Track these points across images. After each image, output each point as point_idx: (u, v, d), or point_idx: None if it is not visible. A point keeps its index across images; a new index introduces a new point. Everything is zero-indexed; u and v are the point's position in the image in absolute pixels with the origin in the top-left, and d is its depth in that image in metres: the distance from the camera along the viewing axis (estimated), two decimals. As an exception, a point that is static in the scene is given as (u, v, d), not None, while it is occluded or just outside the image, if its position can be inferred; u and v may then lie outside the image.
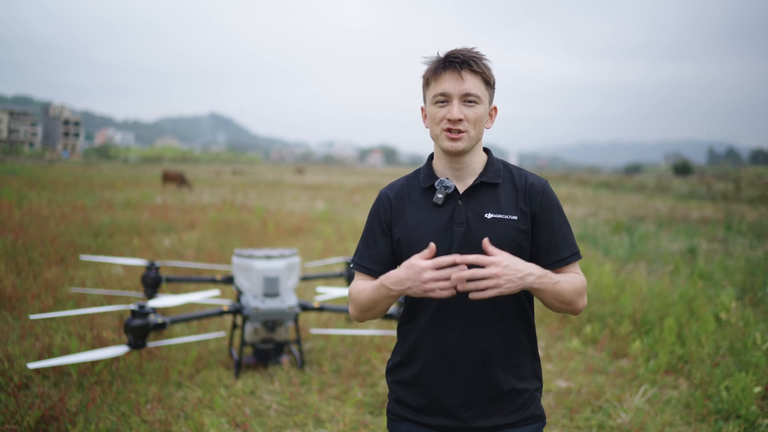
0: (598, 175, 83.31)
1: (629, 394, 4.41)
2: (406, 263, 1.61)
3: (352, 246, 10.58)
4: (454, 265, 1.56)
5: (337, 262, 7.53)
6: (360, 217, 16.08)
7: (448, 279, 1.55)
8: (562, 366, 4.98)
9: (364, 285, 1.78)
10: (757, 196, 24.97)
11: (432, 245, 1.58)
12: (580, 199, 25.20)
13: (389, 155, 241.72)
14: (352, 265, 1.88)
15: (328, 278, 6.49)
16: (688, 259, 9.51)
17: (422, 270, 1.55)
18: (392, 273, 1.64)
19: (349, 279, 6.26)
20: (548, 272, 1.64)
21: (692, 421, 3.99)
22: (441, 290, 1.55)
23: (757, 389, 4.05)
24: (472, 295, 1.54)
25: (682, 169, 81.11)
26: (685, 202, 24.45)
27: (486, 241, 1.58)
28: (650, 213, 18.40)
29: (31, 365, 3.78)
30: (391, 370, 1.88)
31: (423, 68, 1.79)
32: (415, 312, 1.80)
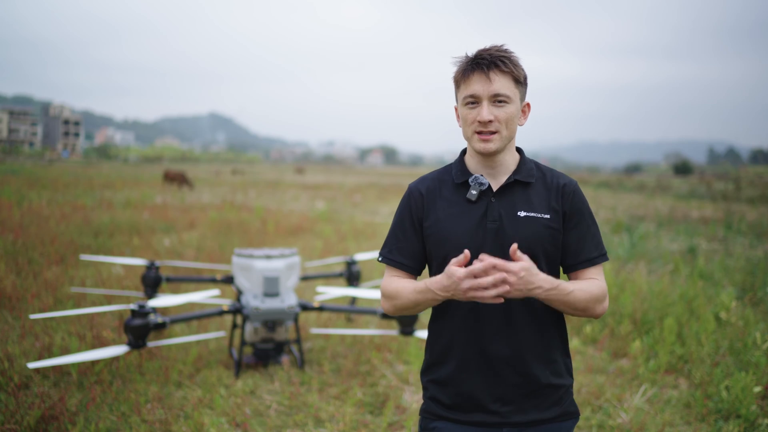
0: (598, 174, 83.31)
1: (629, 393, 4.41)
2: (446, 272, 1.62)
3: (352, 246, 10.57)
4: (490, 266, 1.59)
5: (337, 261, 7.53)
6: (360, 217, 16.08)
7: (487, 285, 1.57)
8: (562, 366, 4.98)
9: (402, 284, 1.79)
10: (757, 196, 24.96)
11: (467, 252, 1.60)
12: (580, 199, 25.14)
13: (389, 155, 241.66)
14: (380, 258, 1.88)
15: (328, 278, 6.49)
16: (688, 259, 9.51)
17: (459, 280, 1.57)
18: (437, 279, 1.65)
19: (349, 278, 6.25)
20: (560, 284, 1.66)
21: (692, 421, 3.99)
22: (485, 297, 1.57)
23: (757, 389, 4.05)
24: (476, 293, 1.58)
25: (682, 168, 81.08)
26: (685, 202, 24.44)
27: (514, 247, 1.59)
28: (650, 213, 18.40)
29: (31, 365, 3.79)
30: (426, 371, 1.87)
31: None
32: (446, 309, 1.80)
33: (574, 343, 5.48)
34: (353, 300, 6.23)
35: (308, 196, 24.35)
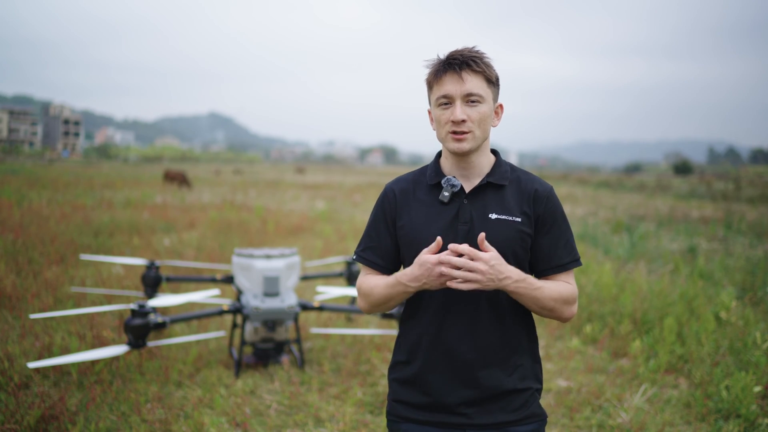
0: (598, 174, 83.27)
1: (629, 393, 4.41)
2: (417, 260, 1.65)
3: (352, 245, 10.57)
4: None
5: (337, 261, 7.53)
6: (360, 217, 16.08)
7: (459, 269, 1.61)
8: (562, 365, 4.98)
9: (375, 281, 1.81)
10: (757, 196, 24.96)
11: (439, 239, 1.64)
12: (580, 199, 25.19)
13: (389, 155, 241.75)
14: (354, 257, 1.90)
15: (328, 277, 6.49)
16: (688, 259, 9.51)
17: (434, 265, 1.62)
18: (407, 271, 1.69)
19: (349, 278, 6.25)
20: (528, 278, 1.68)
21: (692, 421, 3.99)
22: (458, 285, 1.62)
23: (757, 388, 4.05)
24: (450, 283, 1.62)
25: (682, 168, 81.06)
26: (685, 202, 24.44)
27: (482, 236, 1.63)
28: (650, 212, 18.40)
29: (31, 365, 3.79)
30: (392, 368, 1.89)
31: (423, 68, 1.79)
32: (416, 310, 1.81)
33: (574, 342, 5.48)
34: (353, 300, 6.23)
35: (308, 195, 24.35)
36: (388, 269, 1.87)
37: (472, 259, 1.60)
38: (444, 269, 1.60)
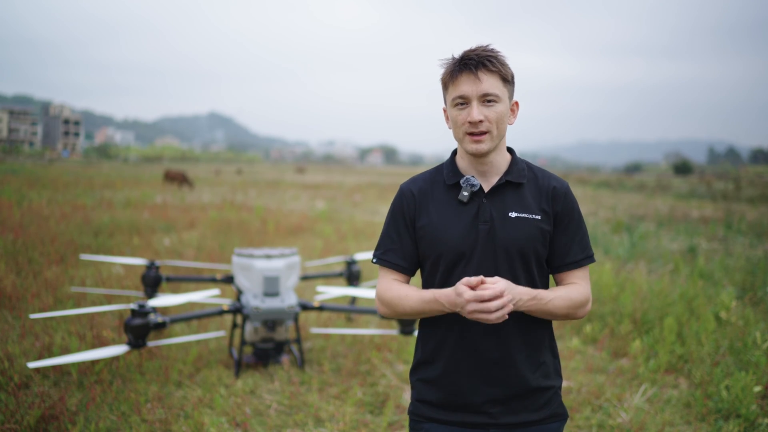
0: (598, 174, 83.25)
1: (629, 393, 4.41)
2: (457, 289, 1.65)
3: (352, 245, 10.57)
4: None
5: (337, 261, 7.53)
6: (360, 217, 16.08)
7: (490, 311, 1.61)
8: (562, 365, 4.98)
9: (405, 292, 1.78)
10: (757, 196, 24.97)
11: (482, 278, 1.62)
12: (581, 199, 25.18)
13: (389, 154, 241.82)
14: (374, 260, 1.87)
15: (328, 277, 6.49)
16: (688, 259, 9.51)
17: (467, 302, 1.61)
18: (447, 293, 1.67)
19: (349, 278, 6.25)
20: (538, 294, 1.69)
21: (692, 421, 3.99)
22: (489, 319, 1.62)
23: (757, 388, 4.05)
24: (479, 317, 1.61)
25: (682, 168, 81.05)
26: (685, 202, 24.43)
27: (479, 278, 1.63)
28: (650, 212, 18.39)
29: (31, 364, 3.78)
30: (415, 369, 1.88)
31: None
32: None
33: (574, 342, 5.48)
34: (353, 300, 6.23)
35: (308, 195, 24.35)
36: (410, 270, 1.86)
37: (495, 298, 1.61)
38: (474, 307, 1.60)
